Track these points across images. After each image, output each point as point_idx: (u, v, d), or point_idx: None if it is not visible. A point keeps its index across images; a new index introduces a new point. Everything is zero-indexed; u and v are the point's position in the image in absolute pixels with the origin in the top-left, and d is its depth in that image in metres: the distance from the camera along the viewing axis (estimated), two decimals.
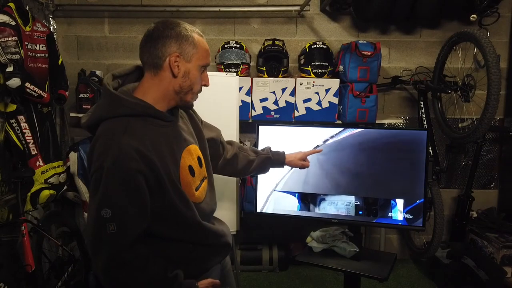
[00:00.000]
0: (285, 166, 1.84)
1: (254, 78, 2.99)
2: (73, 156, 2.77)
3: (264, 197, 2.05)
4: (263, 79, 2.98)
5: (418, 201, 1.86)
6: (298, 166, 1.84)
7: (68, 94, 2.89)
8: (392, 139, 1.90)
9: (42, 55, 2.64)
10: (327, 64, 2.96)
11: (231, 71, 2.90)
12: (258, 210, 2.07)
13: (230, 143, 1.69)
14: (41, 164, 2.61)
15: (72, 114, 3.12)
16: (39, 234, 2.32)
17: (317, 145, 1.96)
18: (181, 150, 1.30)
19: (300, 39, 3.28)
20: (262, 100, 3.00)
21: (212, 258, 1.40)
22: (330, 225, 2.04)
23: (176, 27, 1.24)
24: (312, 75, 2.97)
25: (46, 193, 2.62)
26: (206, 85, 1.34)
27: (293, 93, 2.98)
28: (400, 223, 1.90)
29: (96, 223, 1.12)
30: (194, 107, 1.44)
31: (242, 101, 2.95)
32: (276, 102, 3.00)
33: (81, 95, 3.00)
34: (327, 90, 2.98)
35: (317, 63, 2.95)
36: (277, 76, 2.98)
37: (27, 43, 2.48)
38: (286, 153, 1.82)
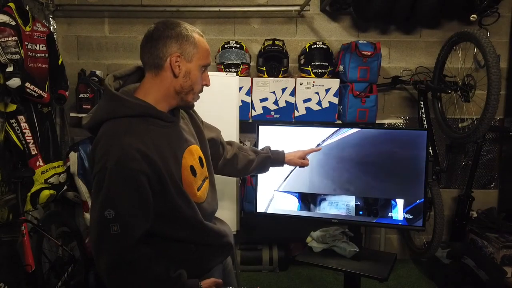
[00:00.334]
0: (286, 166, 1.84)
1: (254, 78, 2.99)
2: (73, 156, 2.77)
3: (264, 197, 2.05)
4: (263, 79, 2.98)
5: (418, 201, 1.86)
6: (298, 164, 1.84)
7: (68, 94, 2.89)
8: (392, 139, 1.90)
9: (42, 55, 2.64)
10: (327, 64, 2.96)
11: (231, 71, 2.90)
12: (258, 210, 2.07)
13: (230, 143, 1.69)
14: (41, 164, 2.61)
15: (72, 114, 3.12)
16: (39, 234, 2.32)
17: (318, 144, 1.96)
18: (183, 151, 1.30)
19: (300, 39, 3.28)
20: (262, 100, 3.00)
21: (214, 258, 1.41)
22: (330, 225, 2.04)
23: (176, 27, 1.24)
24: (312, 75, 2.97)
25: (46, 193, 2.62)
26: (207, 84, 1.34)
27: (293, 93, 2.98)
28: (400, 223, 1.90)
29: (100, 224, 1.13)
30: (194, 107, 1.44)
31: (242, 101, 2.95)
32: (276, 102, 3.00)
33: (81, 95, 3.00)
34: (327, 90, 2.98)
35: (317, 63, 2.95)
36: (277, 76, 2.98)
37: (27, 43, 2.48)
38: (285, 152, 1.82)
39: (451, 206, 3.38)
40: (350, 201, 1.93)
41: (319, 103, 2.99)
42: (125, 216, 1.13)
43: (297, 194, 2.01)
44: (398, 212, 1.88)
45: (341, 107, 3.04)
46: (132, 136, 1.16)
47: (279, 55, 2.98)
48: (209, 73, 1.38)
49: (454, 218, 3.22)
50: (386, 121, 3.20)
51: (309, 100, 2.99)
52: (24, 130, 2.51)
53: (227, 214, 2.33)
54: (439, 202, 2.86)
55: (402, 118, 3.35)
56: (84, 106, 3.00)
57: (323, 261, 1.95)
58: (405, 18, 3.08)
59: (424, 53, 3.29)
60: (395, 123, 3.25)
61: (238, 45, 2.99)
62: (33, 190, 2.55)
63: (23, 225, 2.22)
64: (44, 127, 2.72)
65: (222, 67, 2.94)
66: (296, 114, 3.01)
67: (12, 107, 2.46)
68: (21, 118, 2.51)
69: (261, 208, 2.06)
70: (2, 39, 2.28)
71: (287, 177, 2.00)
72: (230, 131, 2.36)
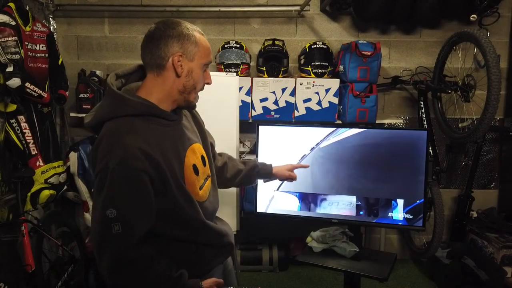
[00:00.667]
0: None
1: (254, 78, 2.99)
2: (73, 156, 2.77)
3: (264, 197, 2.05)
4: (263, 79, 2.98)
5: (418, 201, 1.86)
6: (285, 176, 1.81)
7: (68, 94, 2.89)
8: (392, 139, 1.90)
9: (42, 55, 2.64)
10: (327, 64, 2.96)
11: (231, 71, 2.90)
12: (258, 210, 2.07)
13: (220, 154, 1.69)
14: (41, 164, 2.61)
15: (72, 114, 3.12)
16: (39, 234, 2.32)
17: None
18: (185, 149, 1.30)
19: (300, 39, 3.28)
20: (262, 100, 3.00)
21: (214, 258, 1.41)
22: (330, 225, 2.04)
23: (177, 26, 1.24)
24: (312, 75, 2.97)
25: (46, 193, 2.62)
26: (209, 83, 1.35)
27: (293, 93, 2.98)
28: (400, 223, 1.90)
29: (101, 223, 1.12)
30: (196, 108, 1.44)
31: (242, 101, 2.95)
32: (276, 102, 3.00)
33: (81, 95, 3.00)
34: (327, 90, 2.98)
35: (317, 63, 2.95)
36: (277, 76, 2.98)
37: (27, 43, 2.48)
38: (274, 165, 1.80)
39: (451, 206, 3.38)
40: (350, 201, 1.93)
41: (319, 103, 2.99)
42: (127, 215, 1.13)
43: (297, 194, 2.01)
44: (398, 212, 1.88)
45: (341, 107, 3.04)
46: (135, 135, 1.16)
47: (279, 55, 2.98)
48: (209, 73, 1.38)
49: (454, 218, 3.22)
50: (386, 121, 3.20)
51: (309, 100, 2.99)
52: (24, 130, 2.51)
53: (227, 214, 2.33)
54: (439, 202, 2.86)
55: (402, 118, 3.35)
56: (84, 106, 3.00)
57: (323, 261, 1.95)
58: (405, 18, 3.08)
59: (424, 53, 3.29)
60: (395, 123, 3.25)
61: (238, 45, 2.99)
62: (33, 190, 2.55)
63: (23, 225, 2.22)
64: (44, 127, 2.72)
65: (222, 67, 2.94)
66: (296, 114, 3.01)
67: (12, 107, 2.46)
68: (21, 118, 2.51)
69: (261, 208, 2.06)
70: (2, 39, 2.28)
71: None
72: (230, 131, 2.36)
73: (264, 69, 2.97)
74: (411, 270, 3.25)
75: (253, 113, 3.02)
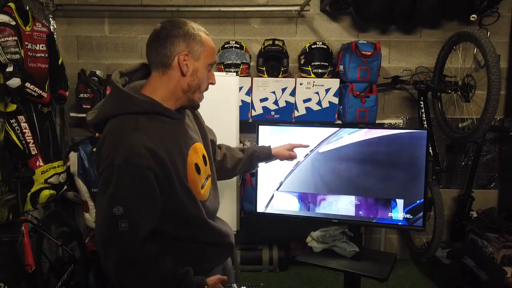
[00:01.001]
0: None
1: (254, 78, 2.99)
2: (73, 156, 2.77)
3: (265, 197, 2.05)
4: (263, 79, 2.98)
5: (418, 201, 1.86)
6: (285, 156, 1.82)
7: (68, 94, 2.89)
8: (392, 139, 1.90)
9: (42, 55, 2.64)
10: (327, 64, 2.96)
11: (231, 71, 2.90)
12: (258, 210, 2.07)
13: (219, 146, 1.70)
14: (41, 164, 2.61)
15: (72, 114, 3.12)
16: (39, 234, 2.32)
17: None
18: (188, 148, 1.31)
19: (300, 39, 3.28)
20: (262, 100, 3.00)
21: (215, 258, 1.41)
22: (330, 225, 2.04)
23: (183, 26, 1.25)
24: (312, 75, 2.97)
25: (46, 193, 2.62)
26: (213, 83, 1.35)
27: (293, 93, 2.98)
28: (400, 223, 1.90)
29: (108, 220, 1.12)
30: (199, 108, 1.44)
31: (242, 101, 2.95)
32: (276, 102, 3.00)
33: (81, 95, 3.00)
34: (327, 90, 2.98)
35: (317, 63, 2.95)
36: (277, 76, 2.98)
37: (27, 43, 2.48)
38: (272, 147, 1.82)
39: (451, 206, 3.38)
40: (350, 201, 1.93)
41: (319, 103, 2.99)
42: (134, 213, 1.13)
43: (297, 194, 2.01)
44: (398, 212, 1.88)
45: (341, 107, 3.04)
46: (140, 133, 1.16)
47: (279, 55, 2.98)
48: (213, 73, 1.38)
49: (454, 218, 3.22)
50: (386, 121, 3.20)
51: (309, 100, 2.99)
52: (24, 130, 2.51)
53: (227, 214, 2.33)
54: (439, 202, 2.86)
55: (402, 118, 3.35)
56: (84, 106, 3.00)
57: (323, 261, 1.95)
58: (405, 18, 3.08)
59: (424, 53, 3.29)
60: (395, 123, 3.25)
61: (238, 45, 2.99)
62: (33, 190, 2.55)
63: (23, 225, 2.22)
64: (44, 127, 2.72)
65: (222, 67, 2.94)
66: (296, 114, 3.01)
67: (12, 107, 2.46)
68: (21, 118, 2.51)
69: (261, 208, 2.06)
70: (2, 39, 2.28)
71: (287, 177, 2.00)
72: (230, 131, 2.36)
73: (264, 69, 2.97)
74: (411, 270, 3.25)
75: (253, 113, 3.02)
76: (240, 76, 2.86)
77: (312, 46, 2.99)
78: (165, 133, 1.23)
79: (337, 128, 1.96)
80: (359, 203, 1.92)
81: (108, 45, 3.29)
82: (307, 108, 3.00)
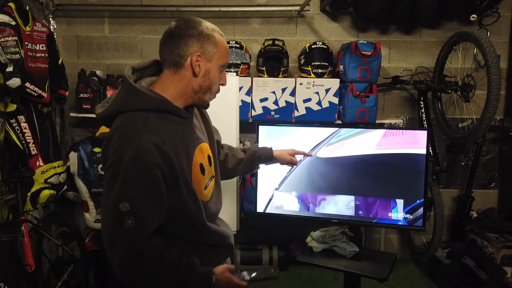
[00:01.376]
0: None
1: (254, 78, 2.99)
2: (73, 156, 2.77)
3: (264, 197, 2.05)
4: (263, 79, 2.98)
5: (418, 201, 1.86)
6: (286, 160, 1.82)
7: (68, 94, 2.89)
8: (392, 139, 1.90)
9: (42, 55, 2.64)
10: (327, 64, 2.96)
11: (231, 71, 2.90)
12: (258, 210, 2.07)
13: (221, 146, 1.70)
14: (41, 164, 2.61)
15: (72, 114, 3.11)
16: (39, 234, 2.32)
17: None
18: (194, 148, 1.31)
19: (300, 39, 3.28)
20: (262, 100, 3.00)
21: (214, 258, 1.40)
22: (330, 225, 2.04)
23: (198, 26, 1.24)
24: (312, 75, 2.97)
25: (46, 193, 2.62)
26: (224, 84, 1.35)
27: (293, 93, 2.98)
28: (400, 223, 1.90)
29: (114, 216, 1.12)
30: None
31: (242, 101, 2.95)
32: (276, 102, 3.00)
33: (81, 95, 3.00)
34: (327, 90, 2.98)
35: (317, 63, 2.95)
36: (277, 76, 2.98)
37: (27, 43, 2.48)
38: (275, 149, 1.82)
39: (451, 206, 3.38)
40: (350, 201, 1.93)
41: (319, 103, 2.99)
42: (140, 209, 1.13)
43: (297, 194, 2.01)
44: (398, 212, 1.88)
45: (341, 107, 3.04)
46: (149, 130, 1.16)
47: (279, 55, 2.98)
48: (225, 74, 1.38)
49: (454, 218, 3.22)
50: (386, 121, 3.19)
51: (309, 100, 2.99)
52: (24, 130, 2.51)
53: (227, 214, 2.32)
54: (439, 202, 2.86)
55: (402, 118, 3.35)
56: (84, 106, 2.99)
57: (323, 261, 1.95)
58: (405, 18, 3.08)
59: (424, 53, 3.29)
60: (395, 123, 3.25)
61: (238, 45, 2.99)
62: (33, 190, 2.55)
63: (23, 225, 2.22)
64: (44, 127, 2.72)
65: None
66: (296, 114, 3.01)
67: (12, 107, 2.46)
68: (21, 118, 2.51)
69: (261, 208, 2.06)
70: (2, 39, 2.28)
71: (287, 177, 2.00)
72: (230, 131, 2.36)
73: (264, 69, 2.97)
74: (411, 270, 3.25)
75: (253, 113, 3.02)
76: (240, 76, 2.86)
77: (312, 46, 2.99)
78: (173, 131, 1.23)
79: (337, 128, 1.97)
80: (359, 203, 1.92)
81: (108, 45, 3.29)
82: (307, 108, 3.00)
